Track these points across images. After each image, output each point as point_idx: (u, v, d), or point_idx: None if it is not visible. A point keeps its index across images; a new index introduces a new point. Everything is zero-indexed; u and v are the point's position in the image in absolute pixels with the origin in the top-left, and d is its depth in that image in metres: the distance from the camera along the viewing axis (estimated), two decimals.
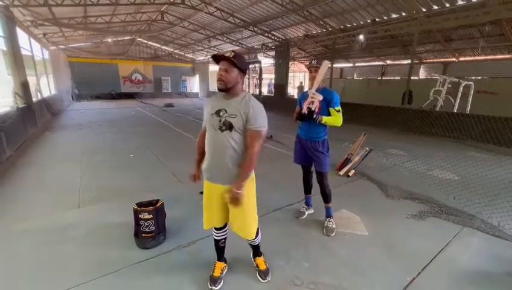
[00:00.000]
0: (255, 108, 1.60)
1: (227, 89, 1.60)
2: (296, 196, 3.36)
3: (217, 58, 1.61)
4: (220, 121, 1.61)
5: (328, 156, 2.60)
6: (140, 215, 2.24)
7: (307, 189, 2.97)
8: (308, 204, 3.04)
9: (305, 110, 2.40)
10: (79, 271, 2.02)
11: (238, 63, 1.56)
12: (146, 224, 2.23)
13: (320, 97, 2.37)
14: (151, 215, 2.25)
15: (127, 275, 1.99)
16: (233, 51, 1.64)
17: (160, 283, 1.92)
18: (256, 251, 2.04)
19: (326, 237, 2.54)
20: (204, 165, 1.74)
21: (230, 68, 1.57)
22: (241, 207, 1.62)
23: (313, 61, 2.48)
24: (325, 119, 2.41)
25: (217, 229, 1.87)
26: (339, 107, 2.47)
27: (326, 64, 2.40)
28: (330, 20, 10.95)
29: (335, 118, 2.44)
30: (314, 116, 2.38)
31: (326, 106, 2.47)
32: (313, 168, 2.78)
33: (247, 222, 1.75)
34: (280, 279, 1.98)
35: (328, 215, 2.75)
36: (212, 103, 1.71)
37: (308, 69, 2.50)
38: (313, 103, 2.40)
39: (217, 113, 1.63)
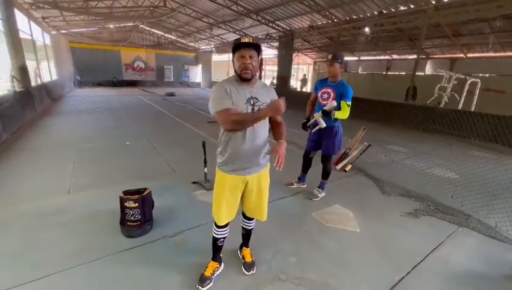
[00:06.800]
0: (274, 92, 1.67)
1: (252, 78, 1.51)
2: (289, 190, 3.31)
3: (242, 45, 1.44)
4: (253, 110, 1.53)
5: (338, 143, 3.02)
6: (125, 204, 2.19)
7: (305, 169, 3.35)
8: (300, 180, 3.41)
9: (326, 108, 2.79)
10: (61, 257, 1.98)
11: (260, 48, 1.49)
12: (131, 212, 2.19)
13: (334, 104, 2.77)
14: (137, 204, 2.19)
15: (109, 264, 1.95)
16: (249, 35, 1.50)
17: (142, 273, 1.88)
18: (248, 238, 2.00)
19: (316, 232, 2.48)
20: (229, 159, 1.59)
21: (255, 55, 1.47)
22: (264, 194, 1.74)
23: (329, 56, 2.83)
24: (336, 114, 2.76)
25: (221, 227, 1.75)
26: (349, 102, 2.79)
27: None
28: (336, 11, 10.64)
29: (343, 112, 2.78)
30: (331, 116, 2.79)
31: (339, 98, 2.79)
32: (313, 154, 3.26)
33: (264, 206, 1.79)
34: (265, 273, 1.93)
35: (320, 187, 3.19)
36: (234, 89, 1.52)
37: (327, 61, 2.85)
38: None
39: (248, 101, 1.52)
